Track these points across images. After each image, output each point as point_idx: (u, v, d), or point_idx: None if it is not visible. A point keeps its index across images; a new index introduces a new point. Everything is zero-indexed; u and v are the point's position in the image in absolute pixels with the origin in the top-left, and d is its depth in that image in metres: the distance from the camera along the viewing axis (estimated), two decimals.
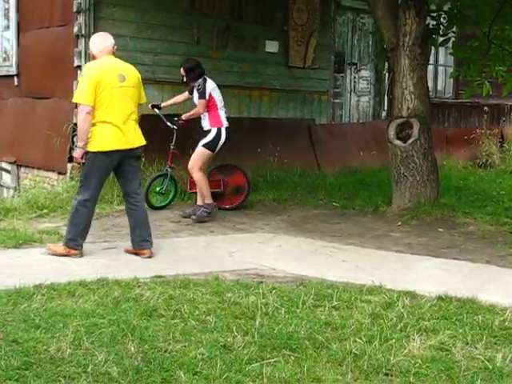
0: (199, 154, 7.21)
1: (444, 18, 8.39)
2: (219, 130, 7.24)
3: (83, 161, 5.39)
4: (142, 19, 9.02)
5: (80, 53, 8.41)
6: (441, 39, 8.67)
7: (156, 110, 7.58)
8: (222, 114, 7.32)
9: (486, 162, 13.33)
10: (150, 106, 7.46)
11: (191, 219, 7.15)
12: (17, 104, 9.80)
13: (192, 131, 7.51)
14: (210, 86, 7.26)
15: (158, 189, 7.65)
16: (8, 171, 9.96)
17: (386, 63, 9.59)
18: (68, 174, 8.50)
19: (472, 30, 8.66)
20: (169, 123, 7.47)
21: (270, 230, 6.95)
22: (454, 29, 8.74)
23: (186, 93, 7.62)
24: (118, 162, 5.48)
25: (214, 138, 7.22)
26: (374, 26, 10.05)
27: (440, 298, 4.48)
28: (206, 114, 7.25)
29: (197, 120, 7.35)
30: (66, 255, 5.37)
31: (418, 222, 7.38)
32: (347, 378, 3.26)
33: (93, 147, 5.36)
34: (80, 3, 8.45)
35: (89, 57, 6.54)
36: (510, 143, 14.23)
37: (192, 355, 3.40)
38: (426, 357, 3.50)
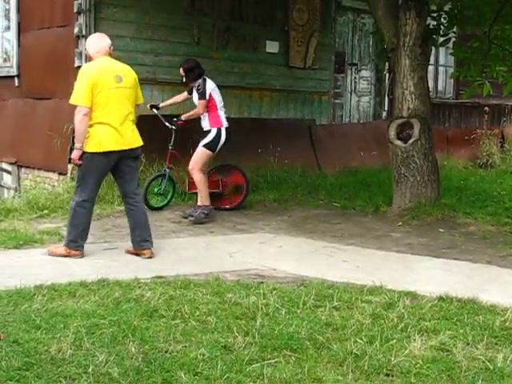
0: (200, 154, 7.21)
1: (444, 18, 8.39)
2: (219, 131, 7.24)
3: (80, 162, 5.40)
4: (143, 20, 9.03)
5: (80, 53, 8.40)
6: (441, 39, 8.67)
7: (154, 111, 7.57)
8: (222, 114, 7.32)
9: (487, 163, 13.32)
10: (148, 106, 7.46)
11: (189, 220, 7.14)
12: (17, 105, 9.80)
13: (192, 132, 7.51)
14: (210, 86, 7.26)
15: (156, 189, 7.65)
16: (9, 172, 9.97)
17: (387, 63, 9.61)
18: (69, 175, 8.50)
19: (472, 30, 8.66)
20: (167, 123, 7.47)
21: (271, 230, 6.95)
22: (455, 29, 8.75)
23: (185, 93, 7.62)
24: (116, 163, 5.48)
25: (214, 138, 7.22)
26: (374, 26, 10.05)
27: (441, 298, 4.48)
28: (206, 114, 7.24)
29: (196, 120, 7.35)
30: (66, 256, 5.38)
31: (419, 222, 7.38)
32: (348, 378, 3.25)
33: (90, 148, 5.36)
34: (80, 4, 8.46)
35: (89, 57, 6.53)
36: (511, 143, 14.22)
37: (193, 356, 3.40)
38: (426, 357, 3.49)
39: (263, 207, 8.19)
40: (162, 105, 7.71)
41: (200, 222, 7.08)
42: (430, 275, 5.31)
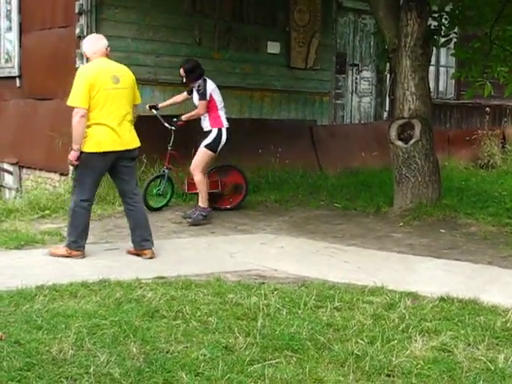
0: (201, 155, 7.20)
1: (446, 19, 8.38)
2: (220, 131, 7.24)
3: (77, 163, 5.40)
4: (144, 21, 9.03)
5: (82, 54, 8.40)
6: (442, 40, 8.67)
7: (153, 111, 7.58)
8: (222, 114, 7.32)
9: (488, 163, 13.31)
10: (147, 106, 7.46)
11: (186, 222, 7.13)
12: (19, 105, 9.81)
13: (191, 132, 7.51)
14: (210, 86, 7.26)
15: (155, 190, 7.65)
16: (10, 172, 9.97)
17: (388, 64, 9.60)
18: (70, 175, 8.50)
19: (474, 30, 8.66)
20: (166, 124, 7.47)
21: (272, 230, 6.95)
22: (456, 29, 8.74)
23: (185, 93, 7.62)
24: (113, 163, 5.48)
25: (215, 138, 7.21)
26: (375, 26, 10.07)
27: (442, 298, 4.48)
28: (207, 114, 7.24)
29: (196, 121, 7.35)
30: (67, 257, 5.38)
31: (420, 222, 7.37)
32: (349, 379, 3.25)
33: (88, 148, 5.36)
34: (82, 4, 8.46)
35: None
36: None
37: (194, 356, 3.40)
38: (427, 358, 3.49)
39: (264, 208, 8.19)
40: (161, 105, 7.70)
41: (198, 223, 7.07)
42: (431, 276, 5.31)
